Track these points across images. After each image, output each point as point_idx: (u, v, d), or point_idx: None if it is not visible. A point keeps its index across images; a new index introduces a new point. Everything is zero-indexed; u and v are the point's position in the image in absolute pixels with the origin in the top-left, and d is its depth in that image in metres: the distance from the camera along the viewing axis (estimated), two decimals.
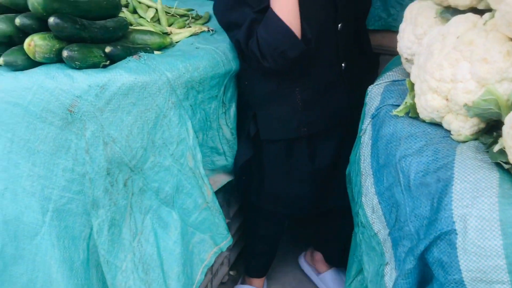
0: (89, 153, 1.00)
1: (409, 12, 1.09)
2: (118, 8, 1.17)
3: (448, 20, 0.97)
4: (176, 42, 1.27)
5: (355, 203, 1.11)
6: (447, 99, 0.85)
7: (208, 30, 1.34)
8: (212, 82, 1.14)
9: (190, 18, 1.38)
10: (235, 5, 1.18)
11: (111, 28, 1.10)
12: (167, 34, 1.31)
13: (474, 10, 0.92)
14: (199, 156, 1.06)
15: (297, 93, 1.30)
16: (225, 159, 1.23)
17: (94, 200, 1.03)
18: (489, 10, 0.88)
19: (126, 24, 1.15)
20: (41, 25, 0.99)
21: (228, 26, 1.22)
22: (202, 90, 1.11)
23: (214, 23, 1.40)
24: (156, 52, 1.19)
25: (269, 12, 1.14)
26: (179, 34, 1.29)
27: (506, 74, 0.76)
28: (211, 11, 1.48)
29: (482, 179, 0.73)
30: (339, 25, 1.30)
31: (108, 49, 1.04)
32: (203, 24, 1.38)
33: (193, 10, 1.48)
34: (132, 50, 1.09)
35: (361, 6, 1.42)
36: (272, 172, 1.41)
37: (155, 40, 1.21)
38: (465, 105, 0.81)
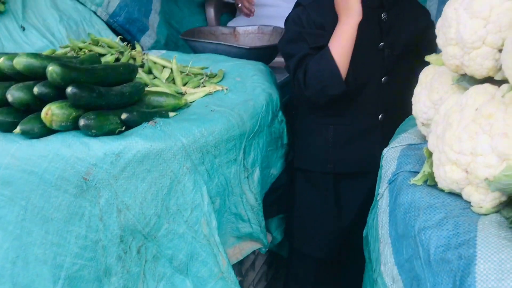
0: (102, 221, 0.99)
1: (424, 76, 1.09)
2: (134, 72, 1.18)
3: (465, 88, 0.97)
4: (191, 102, 1.28)
5: (373, 270, 1.09)
6: (466, 172, 0.84)
7: (222, 89, 1.35)
8: (228, 145, 1.14)
9: (205, 77, 1.39)
10: (295, 39, 1.37)
11: (127, 94, 1.11)
12: (182, 94, 1.32)
13: (491, 80, 0.92)
14: (214, 223, 1.04)
15: (330, 130, 1.43)
16: (250, 226, 1.22)
17: (107, 267, 1.02)
18: (506, 80, 0.88)
19: (142, 88, 1.16)
20: (58, 94, 1.01)
21: (286, 56, 1.41)
22: (218, 154, 1.11)
23: (228, 81, 1.42)
24: (171, 114, 1.20)
25: (325, 50, 1.31)
26: (194, 94, 1.30)
27: None
28: (225, 68, 1.49)
29: (507, 260, 0.70)
30: (383, 78, 1.40)
31: (124, 116, 1.04)
32: (217, 83, 1.39)
33: (207, 68, 1.49)
34: (147, 115, 1.10)
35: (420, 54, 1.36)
36: (301, 205, 1.51)
37: (170, 102, 1.22)
38: (486, 179, 0.80)
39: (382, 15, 1.37)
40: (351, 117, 1.41)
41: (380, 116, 1.42)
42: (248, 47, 1.86)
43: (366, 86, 1.39)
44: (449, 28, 0.94)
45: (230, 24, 2.84)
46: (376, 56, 1.38)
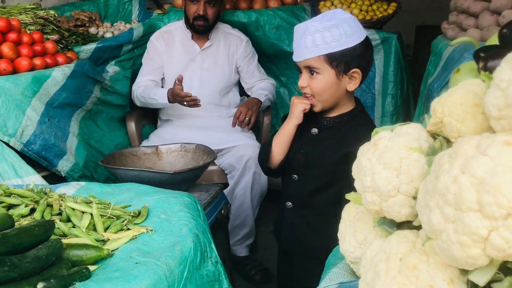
0: None
1: (347, 215, 1.13)
2: (51, 229, 1.12)
3: (386, 231, 1.00)
4: (114, 251, 1.22)
5: None
6: None
7: (148, 231, 1.30)
8: None
9: (128, 218, 1.34)
10: None
11: (43, 257, 1.03)
12: (103, 241, 1.26)
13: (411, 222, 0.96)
14: None
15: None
16: None
17: None
18: None
19: (59, 246, 1.09)
20: None
21: None
22: None
23: (153, 220, 1.37)
24: (92, 267, 1.13)
25: (271, 138, 1.70)
26: (116, 240, 1.24)
27: None
28: (148, 204, 1.45)
29: None
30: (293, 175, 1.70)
31: (40, 286, 0.96)
32: (141, 223, 1.35)
33: (129, 206, 1.45)
34: (66, 278, 1.02)
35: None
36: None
37: (91, 255, 1.15)
38: None
39: (313, 130, 1.64)
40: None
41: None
42: (172, 172, 1.85)
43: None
44: (365, 177, 0.98)
45: (152, 136, 2.84)
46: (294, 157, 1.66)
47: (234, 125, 2.59)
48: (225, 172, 2.64)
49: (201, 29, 2.72)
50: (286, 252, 1.77)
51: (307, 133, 1.64)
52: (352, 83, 1.54)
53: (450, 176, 0.79)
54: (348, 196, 1.14)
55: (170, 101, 2.54)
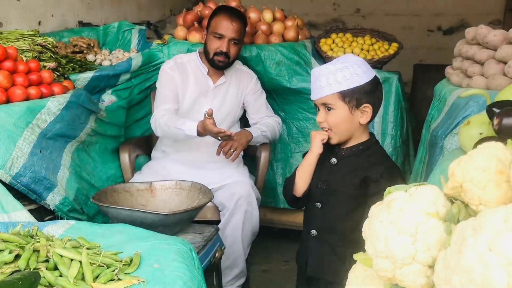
0: None
1: (355, 276, 1.06)
2: (36, 282, 1.04)
3: None
4: None
5: None
6: None
7: (139, 282, 1.22)
8: None
9: (119, 267, 1.26)
10: None
11: None
12: None
13: None
14: None
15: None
16: None
17: None
18: None
19: None
20: None
21: None
22: None
23: (145, 269, 1.29)
24: None
25: (296, 170, 1.85)
26: None
27: None
28: (141, 250, 1.37)
29: None
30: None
31: None
32: (132, 273, 1.27)
33: (121, 252, 1.37)
34: None
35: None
36: None
37: None
38: None
39: (332, 160, 1.79)
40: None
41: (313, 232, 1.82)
42: (166, 213, 1.78)
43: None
44: (377, 241, 0.92)
45: (145, 168, 2.76)
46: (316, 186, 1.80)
47: (218, 153, 2.52)
48: (219, 209, 2.57)
49: (220, 65, 2.63)
50: (310, 279, 1.86)
51: (327, 163, 1.80)
52: (364, 116, 1.73)
53: (475, 253, 0.73)
54: (356, 256, 1.07)
55: (199, 134, 2.42)
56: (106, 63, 2.99)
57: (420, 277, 0.88)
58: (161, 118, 2.53)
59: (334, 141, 1.75)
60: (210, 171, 2.62)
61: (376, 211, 0.96)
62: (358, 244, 1.13)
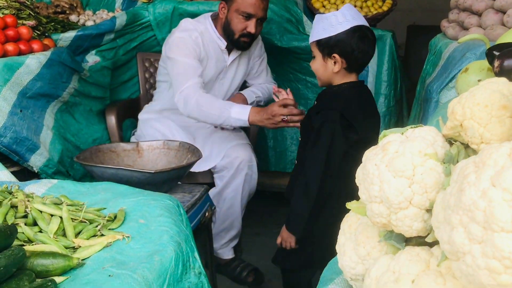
0: None
1: (348, 226, 1.01)
2: (12, 236, 0.98)
3: (394, 246, 0.89)
4: (85, 260, 1.08)
5: None
6: None
7: (124, 238, 1.17)
8: None
9: (102, 223, 1.21)
10: None
11: (1, 268, 0.89)
12: (74, 248, 1.13)
13: (421, 238, 0.85)
14: None
15: None
16: None
17: None
18: (438, 242, 0.81)
19: (22, 255, 0.96)
20: None
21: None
22: None
23: (130, 225, 1.24)
24: (59, 279, 1.00)
25: None
26: (88, 248, 1.11)
27: None
28: (126, 206, 1.32)
29: None
30: None
31: None
32: (116, 229, 1.21)
33: (104, 208, 1.31)
34: None
35: None
36: None
37: (58, 264, 1.02)
38: None
39: None
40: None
41: None
42: (153, 171, 1.72)
43: None
44: (371, 185, 0.87)
45: (135, 133, 2.69)
46: None
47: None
48: (212, 171, 2.51)
49: (245, 46, 2.43)
50: None
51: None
52: (336, 65, 1.82)
53: (478, 189, 0.68)
54: (349, 205, 1.02)
55: (251, 121, 2.16)
56: (89, 23, 2.88)
57: (417, 221, 0.83)
58: (194, 94, 2.21)
59: (319, 83, 1.93)
60: (214, 145, 2.52)
61: (370, 154, 0.91)
62: None
